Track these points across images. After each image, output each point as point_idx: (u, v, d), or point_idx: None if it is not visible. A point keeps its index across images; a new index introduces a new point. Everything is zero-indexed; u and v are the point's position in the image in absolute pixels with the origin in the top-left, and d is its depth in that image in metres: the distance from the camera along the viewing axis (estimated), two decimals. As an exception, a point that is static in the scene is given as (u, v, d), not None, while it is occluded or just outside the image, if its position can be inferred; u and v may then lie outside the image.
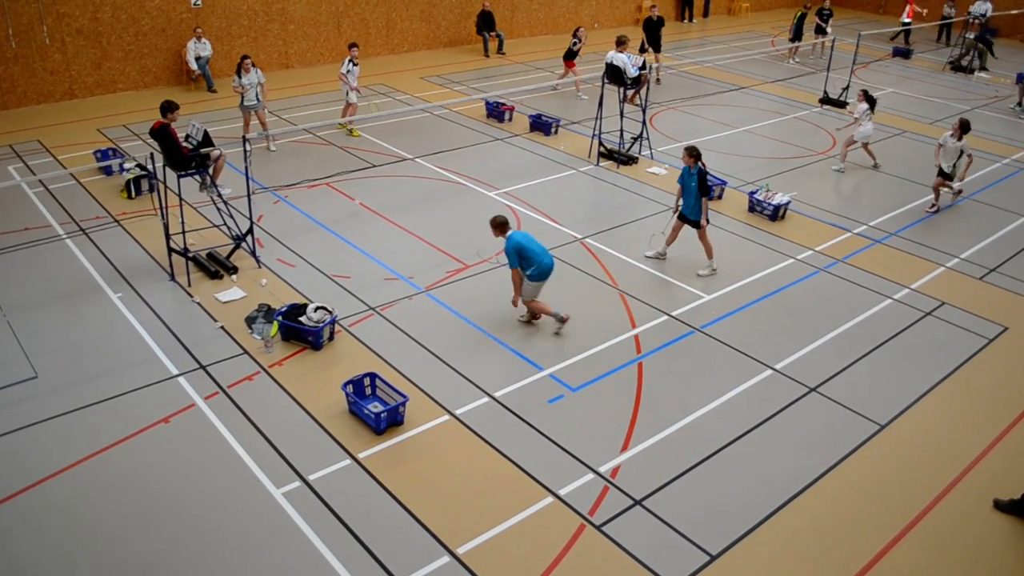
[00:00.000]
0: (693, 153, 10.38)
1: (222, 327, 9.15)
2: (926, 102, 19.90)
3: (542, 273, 9.06)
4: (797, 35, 23.36)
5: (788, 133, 16.93)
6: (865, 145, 14.65)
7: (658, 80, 20.17)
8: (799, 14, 23.25)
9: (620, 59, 14.25)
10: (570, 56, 18.61)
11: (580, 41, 18.57)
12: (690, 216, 10.65)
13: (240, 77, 14.04)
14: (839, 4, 30.13)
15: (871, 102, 14.29)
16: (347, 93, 15.30)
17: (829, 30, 22.97)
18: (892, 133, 17.07)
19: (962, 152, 12.84)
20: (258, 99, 14.25)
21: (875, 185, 14.28)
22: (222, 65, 18.99)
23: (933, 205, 13.24)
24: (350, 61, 15.12)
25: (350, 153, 14.74)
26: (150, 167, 9.99)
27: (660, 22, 20.24)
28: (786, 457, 7.53)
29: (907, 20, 25.59)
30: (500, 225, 9.11)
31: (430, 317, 9.54)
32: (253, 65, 14.19)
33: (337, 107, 16.91)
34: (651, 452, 7.51)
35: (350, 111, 15.47)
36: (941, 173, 13.11)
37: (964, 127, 12.74)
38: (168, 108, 9.89)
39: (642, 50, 19.76)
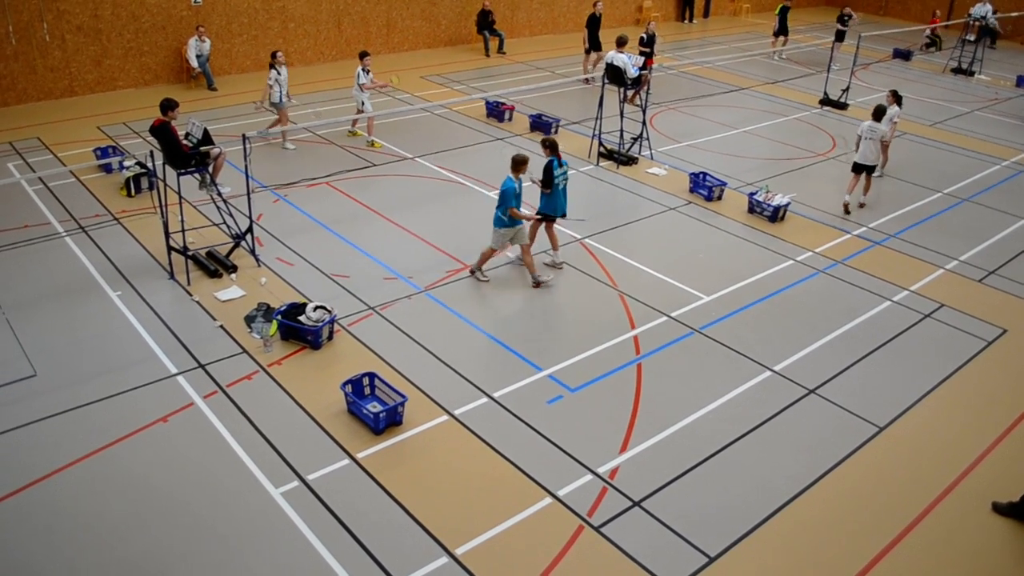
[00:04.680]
0: (547, 144, 10.31)
1: (221, 326, 9.14)
2: (926, 104, 19.90)
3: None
4: (782, 30, 23.39)
5: (788, 134, 16.93)
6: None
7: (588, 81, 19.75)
8: (781, 7, 23.27)
9: (620, 59, 14.24)
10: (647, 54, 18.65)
11: (650, 39, 18.60)
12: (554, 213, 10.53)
13: (278, 72, 13.99)
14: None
15: (899, 99, 14.12)
16: (362, 103, 14.75)
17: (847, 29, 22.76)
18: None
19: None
20: (285, 96, 14.25)
21: (875, 187, 14.27)
22: (222, 63, 18.99)
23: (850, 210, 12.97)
24: (364, 71, 14.57)
25: (350, 152, 14.73)
26: (150, 165, 9.97)
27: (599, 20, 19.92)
28: (785, 459, 7.53)
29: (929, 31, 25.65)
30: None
31: (429, 317, 9.53)
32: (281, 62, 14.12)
33: (336, 105, 16.90)
34: (650, 453, 7.51)
35: (369, 122, 15.06)
36: (865, 168, 12.96)
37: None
38: (168, 106, 9.90)
39: (587, 52, 19.78)
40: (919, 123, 18.16)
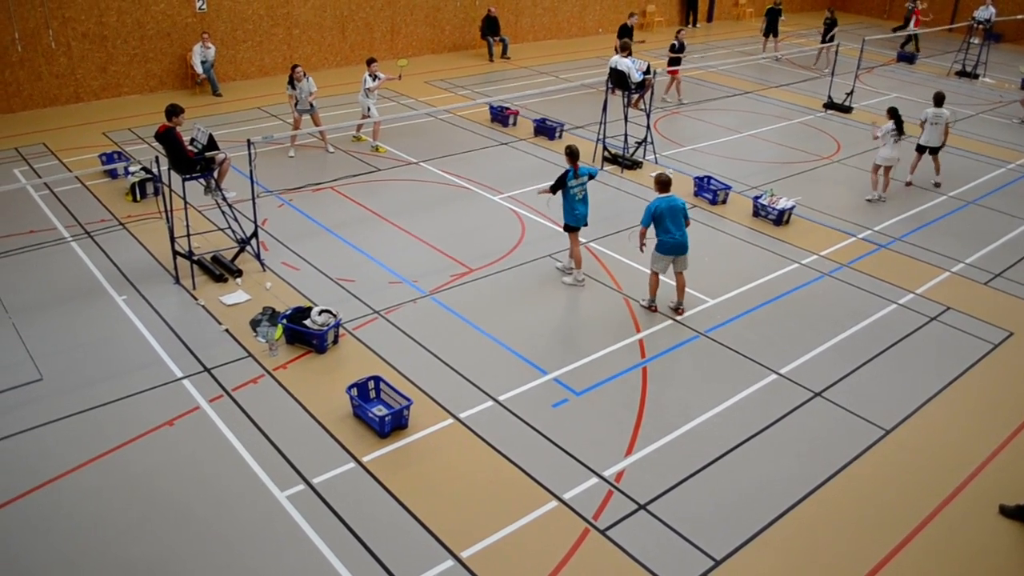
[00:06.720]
0: (568, 152, 10.14)
1: (226, 330, 9.16)
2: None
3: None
4: (771, 30, 23.56)
5: (792, 138, 16.92)
6: (887, 170, 13.55)
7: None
8: (769, 8, 23.49)
9: (624, 64, 14.27)
10: (674, 63, 18.77)
11: (680, 45, 18.80)
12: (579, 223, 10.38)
13: (292, 87, 14.26)
14: (842, 8, 30.17)
15: (899, 123, 13.10)
16: (368, 108, 14.76)
17: (834, 34, 22.91)
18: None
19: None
20: (311, 105, 14.48)
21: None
22: (226, 69, 19.06)
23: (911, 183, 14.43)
24: (371, 76, 14.56)
25: (355, 157, 14.76)
26: (155, 170, 10.01)
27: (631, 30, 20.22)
28: (791, 462, 7.51)
29: (915, 29, 25.59)
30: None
31: (434, 321, 9.54)
32: (305, 74, 14.30)
33: (340, 110, 16.94)
34: (656, 456, 7.49)
35: (375, 127, 15.11)
36: (929, 149, 14.23)
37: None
38: (173, 111, 9.93)
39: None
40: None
